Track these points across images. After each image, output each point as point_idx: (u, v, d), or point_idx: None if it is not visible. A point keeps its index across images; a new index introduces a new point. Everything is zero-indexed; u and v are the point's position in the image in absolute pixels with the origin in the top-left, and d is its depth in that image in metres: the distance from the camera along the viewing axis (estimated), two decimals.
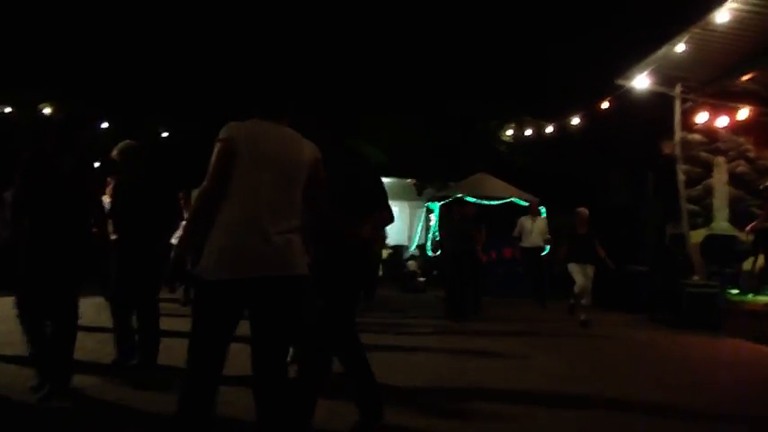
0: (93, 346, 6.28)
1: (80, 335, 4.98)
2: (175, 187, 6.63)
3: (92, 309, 7.54)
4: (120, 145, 5.72)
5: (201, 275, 3.10)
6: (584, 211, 10.23)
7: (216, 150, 3.16)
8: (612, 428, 4.57)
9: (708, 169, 12.16)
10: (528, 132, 17.04)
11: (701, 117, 11.91)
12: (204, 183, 3.13)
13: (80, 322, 4.94)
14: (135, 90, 18.67)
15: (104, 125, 16.62)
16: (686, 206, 11.99)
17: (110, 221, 5.49)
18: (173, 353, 5.52)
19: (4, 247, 6.45)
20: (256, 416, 3.21)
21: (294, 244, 3.25)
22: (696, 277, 11.06)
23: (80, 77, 17.31)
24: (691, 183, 12.08)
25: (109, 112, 17.01)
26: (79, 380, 4.94)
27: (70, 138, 4.94)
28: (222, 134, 3.18)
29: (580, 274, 9.92)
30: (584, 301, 9.90)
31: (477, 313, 10.63)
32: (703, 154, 12.19)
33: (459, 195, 15.08)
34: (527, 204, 13.94)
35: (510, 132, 18.68)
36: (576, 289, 9.97)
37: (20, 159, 4.86)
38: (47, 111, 16.11)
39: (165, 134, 18.71)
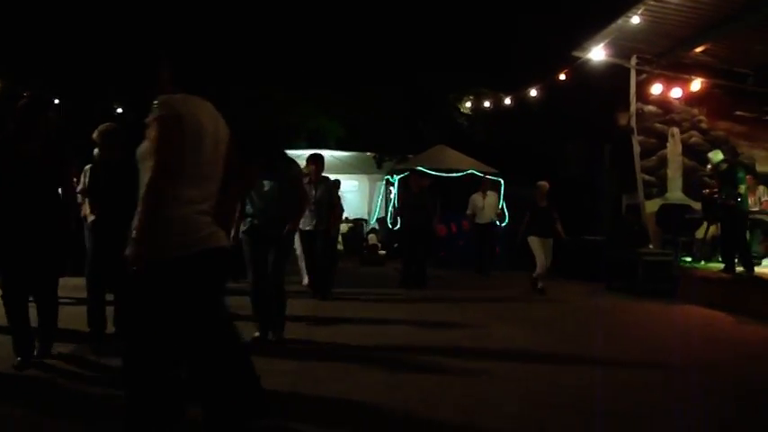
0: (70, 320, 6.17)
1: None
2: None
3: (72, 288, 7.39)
4: (101, 127, 5.81)
5: (163, 255, 3.00)
6: (544, 184, 10.40)
7: (164, 127, 3.02)
8: (571, 391, 4.65)
9: (662, 140, 12.37)
10: (486, 104, 17.09)
11: (656, 88, 12.08)
12: (158, 164, 2.97)
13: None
14: (86, 65, 18.18)
15: (56, 101, 16.18)
16: (641, 177, 12.19)
17: (86, 201, 5.66)
18: None
19: None
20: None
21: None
22: (651, 246, 11.32)
23: (28, 53, 16.77)
24: (646, 153, 12.28)
25: (60, 88, 16.56)
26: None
27: (35, 120, 4.88)
28: (167, 110, 3.04)
29: (540, 250, 10.18)
30: (539, 271, 10.22)
31: (424, 282, 10.80)
32: (658, 125, 12.39)
33: (419, 168, 15.12)
34: (489, 177, 14.02)
35: (468, 105, 18.72)
36: (538, 268, 10.22)
37: None
38: None
39: (119, 110, 18.31)
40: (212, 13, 19.45)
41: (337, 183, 13.97)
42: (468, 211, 12.95)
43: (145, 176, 3.05)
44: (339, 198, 10.03)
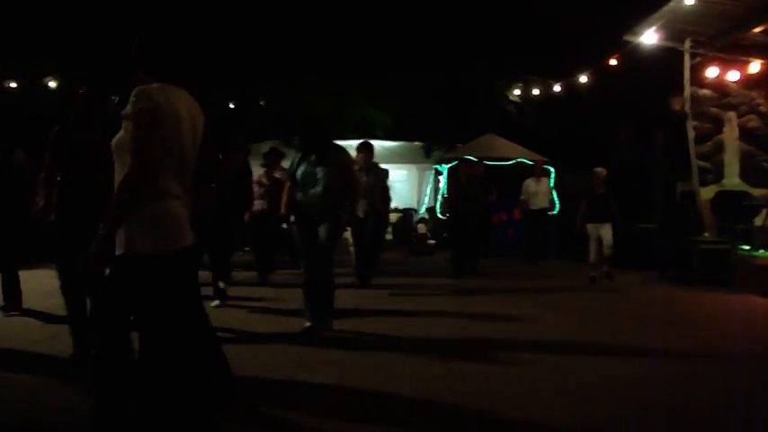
0: None
1: None
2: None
3: None
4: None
5: (144, 250, 2.96)
6: (601, 170, 10.28)
7: (144, 119, 2.93)
8: (623, 384, 4.58)
9: (718, 125, 12.01)
10: (535, 92, 16.86)
11: (712, 72, 11.73)
12: (138, 161, 2.88)
13: None
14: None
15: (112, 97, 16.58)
16: (696, 163, 11.88)
17: None
18: None
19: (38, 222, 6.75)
20: None
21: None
22: (707, 234, 11.03)
23: (83, 49, 17.19)
24: (701, 139, 11.94)
25: (115, 83, 16.92)
26: None
27: (93, 110, 5.05)
28: (146, 102, 2.94)
29: (594, 239, 10.05)
30: (594, 258, 10.11)
31: (475, 272, 10.89)
32: (713, 109, 12.02)
33: (467, 157, 15.04)
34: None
35: (517, 92, 18.49)
36: (591, 256, 10.13)
37: (48, 136, 5.02)
38: (52, 84, 16.06)
39: None
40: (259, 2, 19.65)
41: (386, 172, 14.06)
42: (522, 197, 12.87)
43: (121, 170, 2.99)
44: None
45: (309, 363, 3.79)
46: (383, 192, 9.42)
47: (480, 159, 13.64)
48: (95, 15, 17.89)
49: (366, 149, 9.19)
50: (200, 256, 4.19)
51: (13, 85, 15.78)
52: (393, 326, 6.51)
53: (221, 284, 7.52)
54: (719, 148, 11.98)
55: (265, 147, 13.86)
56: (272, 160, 10.10)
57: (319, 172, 6.03)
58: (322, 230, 6.03)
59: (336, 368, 4.84)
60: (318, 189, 6.02)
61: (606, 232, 10.01)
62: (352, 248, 9.73)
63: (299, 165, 6.21)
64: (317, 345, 5.49)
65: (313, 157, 6.10)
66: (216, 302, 7.29)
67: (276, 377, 4.66)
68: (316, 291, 6.08)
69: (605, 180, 10.23)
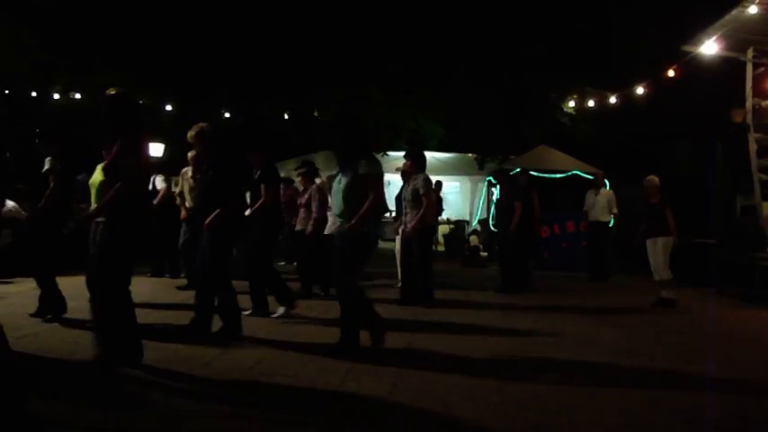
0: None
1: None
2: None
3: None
4: (195, 128, 6.15)
5: None
6: (652, 178, 9.59)
7: None
8: (676, 404, 4.47)
9: None
10: (590, 103, 16.64)
11: None
12: None
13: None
14: (197, 72, 19.03)
15: (168, 108, 17.05)
16: (759, 176, 11.50)
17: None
18: None
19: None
20: None
21: None
22: None
23: (143, 62, 17.72)
24: (763, 152, 11.57)
25: (172, 95, 17.42)
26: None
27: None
28: None
29: (650, 254, 9.31)
30: (656, 278, 9.31)
31: (524, 287, 10.50)
32: None
33: (519, 169, 14.93)
34: (591, 177, 13.68)
35: (572, 104, 18.28)
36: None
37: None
38: None
39: (227, 115, 19.07)
40: (316, 13, 19.92)
41: (439, 184, 14.06)
42: (585, 208, 12.75)
43: None
44: (430, 194, 8.84)
45: (352, 376, 3.79)
46: (416, 201, 8.60)
47: (535, 171, 13.54)
48: (156, 29, 18.38)
49: (411, 155, 8.91)
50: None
51: (78, 96, 16.32)
52: (440, 342, 6.43)
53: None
54: None
55: (319, 157, 14.05)
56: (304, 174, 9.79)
57: (342, 182, 5.76)
58: (336, 248, 5.81)
59: (384, 385, 4.76)
60: (336, 200, 5.81)
61: (657, 249, 9.18)
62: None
63: (336, 174, 6.03)
64: (361, 360, 5.46)
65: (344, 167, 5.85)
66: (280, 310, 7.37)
67: (323, 386, 4.67)
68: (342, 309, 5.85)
69: (658, 188, 9.47)
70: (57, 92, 16.39)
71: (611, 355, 6.05)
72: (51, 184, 6.81)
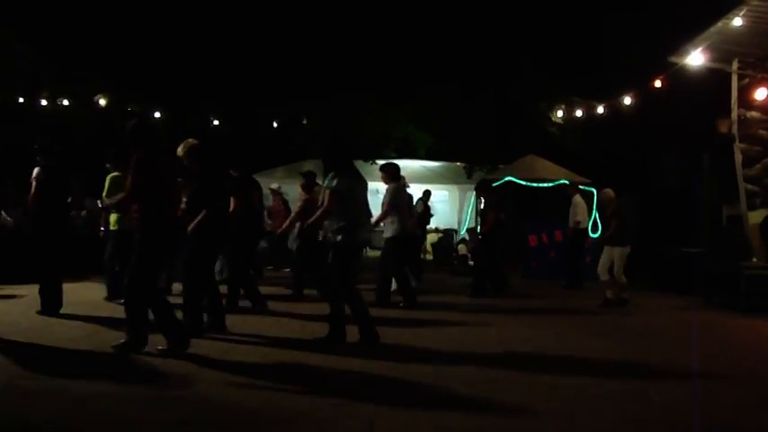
0: None
1: None
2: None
3: None
4: (184, 144, 6.71)
5: None
6: (606, 191, 10.48)
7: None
8: (664, 410, 4.49)
9: (767, 148, 11.75)
10: (578, 113, 16.75)
11: (761, 93, 11.44)
12: None
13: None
14: (186, 79, 19.01)
15: (157, 115, 17.00)
16: (744, 186, 11.61)
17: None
18: None
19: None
20: None
21: None
22: (755, 259, 10.75)
23: (132, 69, 17.69)
24: (749, 162, 11.67)
25: (161, 102, 17.39)
26: None
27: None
28: None
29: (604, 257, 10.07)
30: (603, 278, 10.03)
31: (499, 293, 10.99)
32: (762, 132, 11.74)
33: (509, 178, 15.01)
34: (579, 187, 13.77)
35: (560, 114, 18.39)
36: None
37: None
38: (102, 102, 16.50)
39: (216, 122, 19.04)
40: (306, 22, 19.97)
41: (427, 192, 14.12)
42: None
43: None
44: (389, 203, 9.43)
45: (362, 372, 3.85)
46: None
47: (523, 180, 13.61)
48: (146, 36, 18.36)
49: (381, 168, 9.66)
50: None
51: (66, 103, 16.24)
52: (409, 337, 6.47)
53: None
54: None
55: (309, 165, 14.10)
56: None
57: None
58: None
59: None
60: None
61: (609, 256, 9.95)
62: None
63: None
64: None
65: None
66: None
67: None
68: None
69: (611, 201, 10.27)
70: (44, 98, 16.28)
71: (589, 359, 6.09)
72: (32, 191, 7.43)
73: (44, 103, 16.21)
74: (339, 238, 6.32)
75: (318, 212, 6.47)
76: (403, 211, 9.46)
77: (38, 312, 7.49)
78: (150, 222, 5.60)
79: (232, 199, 7.89)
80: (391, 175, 9.44)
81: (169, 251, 5.99)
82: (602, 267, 10.02)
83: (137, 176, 5.53)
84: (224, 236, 6.95)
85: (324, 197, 6.44)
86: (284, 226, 10.29)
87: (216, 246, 6.84)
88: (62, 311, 7.58)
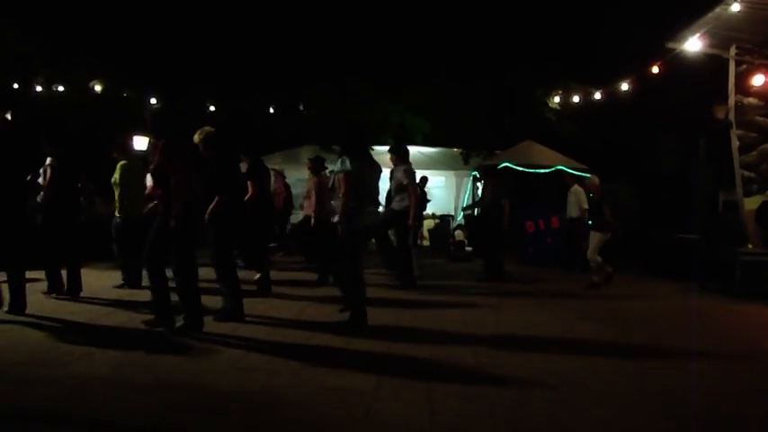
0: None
1: None
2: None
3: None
4: (200, 131, 6.84)
5: None
6: (592, 178, 11.01)
7: None
8: (661, 396, 4.52)
9: (764, 134, 11.72)
10: (575, 99, 16.72)
11: (758, 80, 11.44)
12: None
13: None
14: (182, 66, 18.92)
15: (153, 101, 16.94)
16: (740, 172, 11.63)
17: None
18: None
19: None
20: None
21: None
22: (750, 245, 10.79)
23: (128, 55, 17.60)
24: (745, 148, 11.68)
25: (157, 88, 17.32)
26: None
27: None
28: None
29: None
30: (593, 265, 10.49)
31: (494, 278, 10.99)
32: (759, 118, 11.75)
33: (506, 164, 15.00)
34: (575, 173, 13.79)
35: (557, 100, 18.37)
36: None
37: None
38: (97, 88, 16.42)
39: (211, 108, 18.98)
40: (302, 9, 19.88)
41: (424, 179, 14.16)
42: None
43: None
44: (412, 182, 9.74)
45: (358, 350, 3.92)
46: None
47: (519, 166, 13.59)
48: (141, 22, 18.25)
49: (391, 150, 9.86)
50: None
51: (61, 88, 16.16)
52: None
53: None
54: (765, 157, 11.69)
55: (304, 152, 14.14)
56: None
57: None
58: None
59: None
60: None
61: (593, 240, 10.44)
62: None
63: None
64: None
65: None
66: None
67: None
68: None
69: (597, 187, 10.70)
70: (39, 84, 16.20)
71: (590, 346, 6.13)
72: (47, 179, 7.63)
73: (39, 88, 16.14)
74: (342, 221, 6.45)
75: (341, 198, 6.50)
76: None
77: (58, 296, 7.73)
78: (174, 207, 5.72)
79: (249, 185, 8.18)
80: (402, 156, 9.60)
81: (191, 237, 6.06)
82: (591, 252, 10.43)
83: (165, 161, 5.73)
84: (240, 221, 7.04)
85: (337, 180, 6.53)
86: (314, 211, 10.01)
87: (233, 231, 6.90)
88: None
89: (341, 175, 6.46)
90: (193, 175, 6.07)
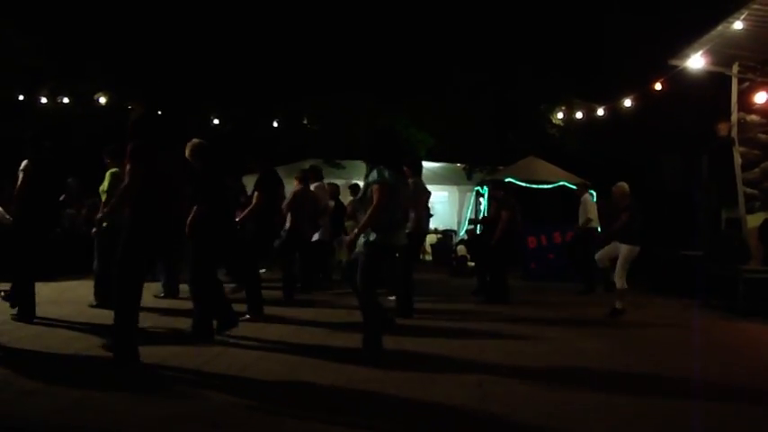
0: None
1: None
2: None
3: None
4: (190, 143, 6.78)
5: None
6: (620, 185, 9.89)
7: None
8: (660, 417, 4.50)
9: (766, 151, 11.73)
10: (578, 115, 16.75)
11: (760, 97, 11.45)
12: None
13: None
14: (186, 79, 19.00)
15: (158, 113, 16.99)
16: (743, 189, 11.62)
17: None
18: None
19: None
20: None
21: None
22: (753, 263, 10.76)
23: (133, 68, 17.69)
24: (748, 165, 11.68)
25: (161, 101, 17.39)
26: None
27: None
28: None
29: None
30: (601, 265, 10.18)
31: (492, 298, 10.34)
32: (761, 135, 11.75)
33: (509, 179, 14.99)
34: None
35: (560, 116, 18.41)
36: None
37: None
38: (102, 100, 16.50)
39: (216, 121, 19.04)
40: (307, 20, 19.97)
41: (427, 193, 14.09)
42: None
43: None
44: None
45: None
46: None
47: (522, 182, 13.59)
48: (146, 36, 18.35)
49: (406, 164, 8.67)
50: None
51: (66, 100, 16.24)
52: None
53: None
54: (767, 174, 11.70)
55: (307, 165, 14.14)
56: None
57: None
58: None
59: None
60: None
61: (614, 254, 9.53)
62: None
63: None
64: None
65: None
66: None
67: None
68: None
69: (620, 197, 9.75)
70: (44, 96, 16.28)
71: (594, 364, 6.10)
72: (18, 184, 6.93)
73: (44, 100, 16.22)
74: (373, 236, 5.72)
75: (370, 210, 5.68)
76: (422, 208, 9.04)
77: (12, 318, 6.95)
78: (141, 216, 5.32)
79: (256, 195, 7.99)
80: (413, 168, 8.76)
81: (160, 248, 5.77)
82: (602, 255, 9.89)
83: (132, 164, 5.25)
84: (223, 235, 6.78)
85: (370, 192, 5.76)
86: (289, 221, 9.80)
87: (215, 244, 6.63)
88: (48, 312, 7.34)
89: (375, 186, 5.70)
90: (177, 187, 5.64)
